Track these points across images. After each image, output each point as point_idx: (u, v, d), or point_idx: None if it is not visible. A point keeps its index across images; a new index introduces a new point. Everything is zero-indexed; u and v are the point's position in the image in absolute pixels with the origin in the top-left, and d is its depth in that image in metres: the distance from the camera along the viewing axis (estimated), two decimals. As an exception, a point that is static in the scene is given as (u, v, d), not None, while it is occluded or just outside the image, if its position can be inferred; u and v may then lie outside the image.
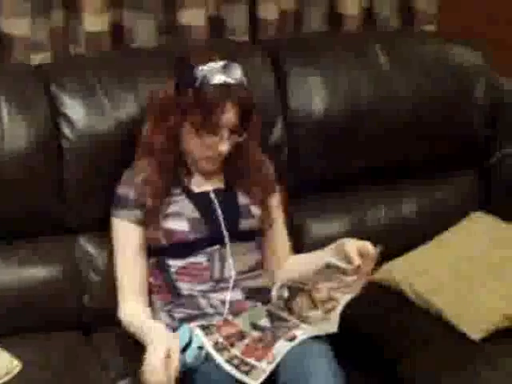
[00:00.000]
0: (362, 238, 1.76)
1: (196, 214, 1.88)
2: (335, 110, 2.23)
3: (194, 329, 1.77)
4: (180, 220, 1.87)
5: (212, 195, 1.92)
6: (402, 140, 2.29)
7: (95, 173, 2.02)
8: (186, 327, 1.76)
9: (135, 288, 1.90)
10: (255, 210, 1.94)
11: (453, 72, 2.32)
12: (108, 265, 1.99)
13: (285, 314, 1.82)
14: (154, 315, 1.89)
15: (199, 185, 1.93)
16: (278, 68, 2.24)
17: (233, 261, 1.88)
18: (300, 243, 2.17)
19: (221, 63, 1.82)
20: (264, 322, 1.82)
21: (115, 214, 1.92)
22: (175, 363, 1.65)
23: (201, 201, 1.91)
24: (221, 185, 1.95)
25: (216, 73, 1.80)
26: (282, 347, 1.72)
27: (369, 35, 2.52)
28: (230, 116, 1.81)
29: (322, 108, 2.22)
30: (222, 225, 1.89)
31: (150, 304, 1.92)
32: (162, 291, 1.90)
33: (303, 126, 2.22)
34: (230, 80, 1.81)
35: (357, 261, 1.71)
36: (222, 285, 1.86)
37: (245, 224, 1.92)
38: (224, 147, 1.83)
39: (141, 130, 1.94)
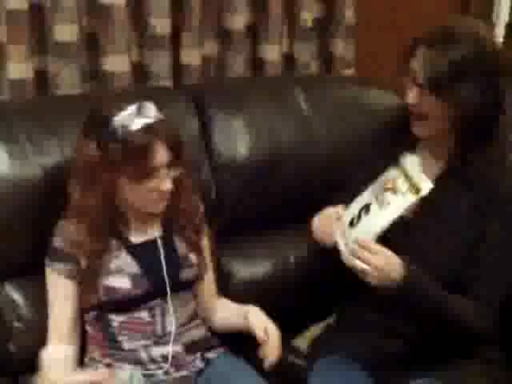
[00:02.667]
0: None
1: (137, 269, 1.85)
2: (258, 154, 2.28)
3: (136, 373, 1.77)
4: (121, 276, 1.83)
5: (152, 246, 1.89)
6: (321, 182, 2.34)
7: (19, 219, 2.00)
8: (127, 371, 1.77)
9: (63, 338, 1.85)
10: (193, 258, 1.93)
11: (368, 115, 2.39)
12: (34, 313, 1.97)
13: None
14: (92, 366, 1.86)
15: (138, 235, 1.90)
16: (202, 113, 2.28)
17: (174, 314, 1.87)
18: (227, 285, 2.19)
19: (133, 107, 1.79)
20: None
21: (48, 265, 1.87)
22: None
23: (141, 253, 1.87)
24: (159, 231, 1.92)
25: (133, 118, 1.78)
26: None
27: (289, 80, 2.59)
28: (162, 154, 1.79)
29: (246, 151, 2.27)
30: (165, 277, 1.86)
31: (85, 354, 1.89)
32: (102, 343, 1.87)
33: (228, 170, 2.26)
34: (149, 120, 1.79)
35: (261, 338, 1.80)
36: (163, 339, 1.85)
37: (186, 274, 1.91)
38: (167, 185, 1.81)
39: (68, 182, 1.88)
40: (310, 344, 2.06)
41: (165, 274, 1.87)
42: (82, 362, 1.90)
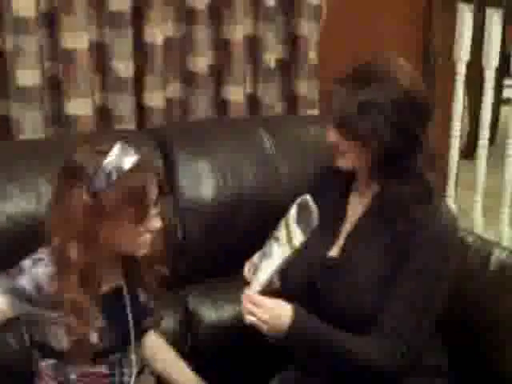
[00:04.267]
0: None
1: (104, 323, 1.74)
2: (223, 194, 2.27)
3: None
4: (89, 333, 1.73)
5: (117, 296, 1.79)
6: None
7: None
8: None
9: None
10: (151, 305, 1.87)
11: (331, 153, 2.39)
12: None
13: None
14: None
15: (106, 283, 1.78)
16: (166, 155, 2.27)
17: (132, 365, 1.81)
18: (193, 329, 2.17)
19: (116, 148, 1.69)
20: None
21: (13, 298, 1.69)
22: None
23: (107, 304, 1.76)
24: (120, 278, 1.82)
25: (122, 158, 1.68)
26: None
27: (253, 120, 2.61)
28: (154, 192, 1.72)
29: (211, 193, 2.26)
30: (131, 328, 1.79)
31: None
32: None
33: (193, 213, 2.25)
34: (135, 158, 1.70)
35: None
36: None
37: (147, 323, 1.87)
38: (159, 223, 1.74)
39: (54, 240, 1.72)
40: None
41: (131, 326, 1.80)
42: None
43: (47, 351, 1.78)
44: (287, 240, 1.78)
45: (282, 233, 1.80)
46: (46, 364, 1.80)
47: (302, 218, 1.79)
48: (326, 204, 1.92)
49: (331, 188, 2.00)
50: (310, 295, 1.89)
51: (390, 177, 1.85)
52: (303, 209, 1.80)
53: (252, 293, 1.79)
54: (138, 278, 1.84)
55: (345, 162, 1.89)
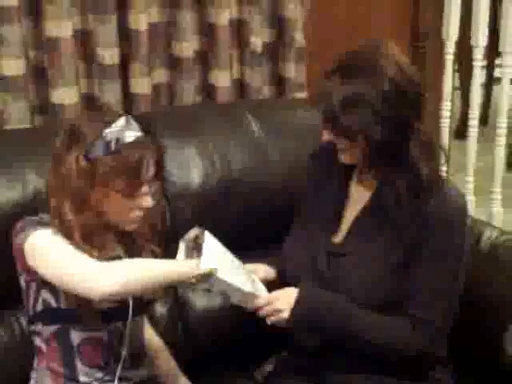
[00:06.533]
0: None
1: None
2: (212, 180, 2.26)
3: None
4: None
5: None
6: (276, 206, 2.33)
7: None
8: None
9: None
10: None
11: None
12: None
13: None
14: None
15: (101, 252, 1.77)
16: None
17: (129, 339, 1.81)
18: (184, 315, 2.17)
19: (121, 120, 1.73)
20: None
21: (41, 228, 1.72)
22: None
23: None
24: (119, 250, 1.83)
25: (124, 131, 1.71)
26: None
27: (240, 105, 2.59)
28: (150, 170, 1.74)
29: (199, 178, 2.25)
30: (129, 297, 1.77)
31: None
32: (55, 370, 1.79)
33: (182, 198, 2.24)
34: (139, 133, 1.73)
35: None
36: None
37: (147, 295, 1.86)
38: (150, 202, 1.76)
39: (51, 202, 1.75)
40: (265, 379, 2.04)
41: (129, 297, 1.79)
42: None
43: (53, 316, 1.78)
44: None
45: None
46: (47, 334, 1.80)
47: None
48: (327, 191, 1.92)
49: (330, 174, 1.95)
50: (318, 285, 1.86)
51: (387, 169, 1.80)
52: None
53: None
54: (137, 254, 1.83)
55: (346, 158, 1.85)
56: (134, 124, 1.74)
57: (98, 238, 1.75)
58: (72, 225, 1.72)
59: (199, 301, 2.22)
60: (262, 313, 1.81)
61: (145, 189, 1.75)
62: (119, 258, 1.81)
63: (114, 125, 1.72)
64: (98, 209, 1.73)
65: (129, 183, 1.71)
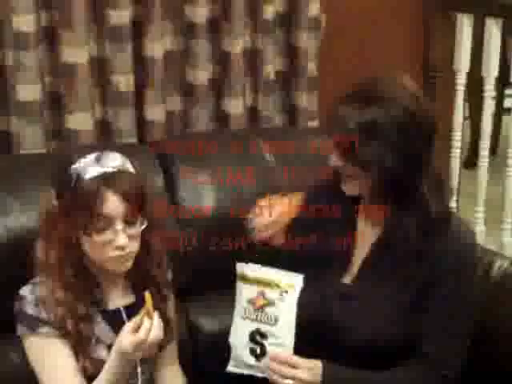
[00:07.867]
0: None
1: (114, 339, 1.71)
2: (223, 208, 2.28)
3: None
4: (101, 347, 1.75)
5: (126, 313, 1.80)
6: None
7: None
8: None
9: None
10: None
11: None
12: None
13: None
14: None
15: (112, 299, 1.81)
16: (167, 168, 2.29)
17: (137, 377, 1.79)
18: (194, 339, 2.18)
19: (93, 156, 1.73)
20: None
21: (29, 332, 1.73)
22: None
23: (116, 320, 1.78)
24: (130, 296, 1.83)
25: (89, 166, 1.71)
26: None
27: (253, 132, 2.61)
28: (114, 206, 1.70)
29: (211, 205, 2.27)
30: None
31: None
32: None
33: (194, 224, 2.25)
34: (105, 169, 1.71)
35: None
36: None
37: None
38: (122, 240, 1.70)
39: (33, 246, 1.80)
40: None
41: None
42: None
43: None
44: (281, 293, 1.75)
45: (267, 295, 1.76)
46: None
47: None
48: (333, 229, 1.87)
49: (333, 211, 1.89)
50: (326, 326, 1.82)
51: (395, 206, 1.77)
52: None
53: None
54: (158, 302, 1.80)
55: (351, 189, 1.80)
56: (106, 161, 1.73)
57: (86, 282, 1.76)
58: (47, 265, 1.74)
59: (208, 323, 2.23)
60: (277, 368, 1.74)
61: (116, 227, 1.71)
62: (126, 307, 1.81)
63: (82, 160, 1.73)
64: (69, 242, 1.73)
65: (85, 217, 1.70)
